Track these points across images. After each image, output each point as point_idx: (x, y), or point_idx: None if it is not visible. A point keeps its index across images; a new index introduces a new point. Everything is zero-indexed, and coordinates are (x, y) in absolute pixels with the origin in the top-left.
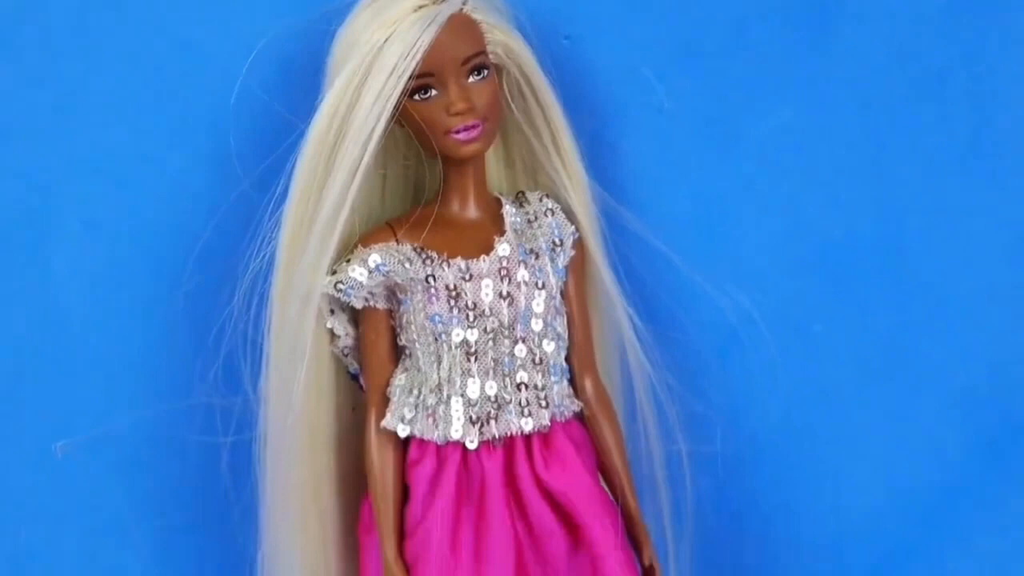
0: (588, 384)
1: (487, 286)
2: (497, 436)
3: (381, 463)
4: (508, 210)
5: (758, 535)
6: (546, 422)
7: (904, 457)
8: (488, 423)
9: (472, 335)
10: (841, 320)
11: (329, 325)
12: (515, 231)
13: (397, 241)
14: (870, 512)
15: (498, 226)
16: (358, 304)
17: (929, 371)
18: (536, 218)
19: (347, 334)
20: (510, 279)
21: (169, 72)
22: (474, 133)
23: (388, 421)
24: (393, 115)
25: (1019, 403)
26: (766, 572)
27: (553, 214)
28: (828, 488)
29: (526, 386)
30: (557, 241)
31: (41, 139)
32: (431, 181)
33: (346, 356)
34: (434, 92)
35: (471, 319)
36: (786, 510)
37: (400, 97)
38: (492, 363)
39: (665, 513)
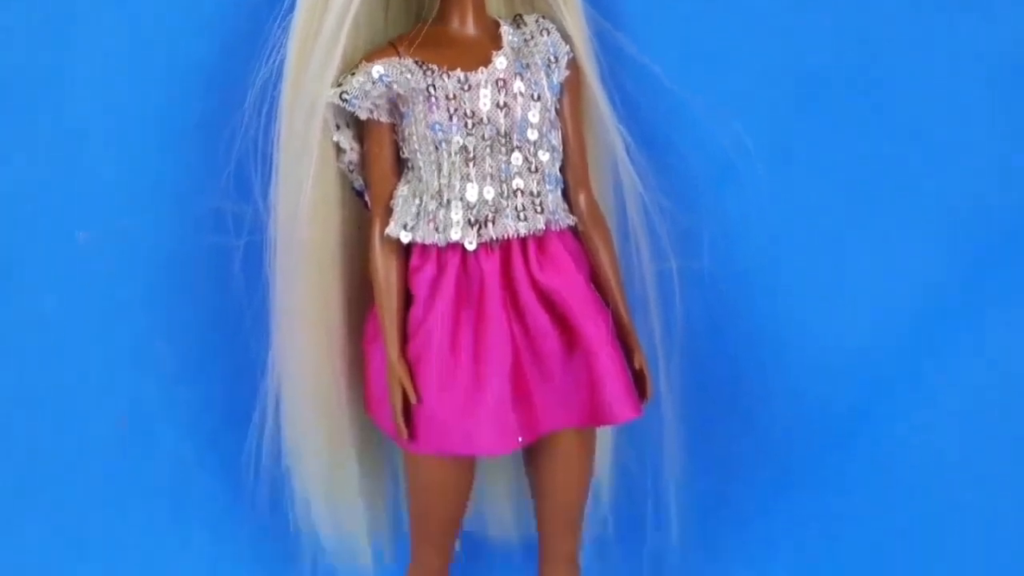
0: (582, 199)
1: (485, 96)
2: (495, 238)
3: (385, 269)
4: (506, 30)
5: (745, 350)
6: (541, 227)
7: (887, 278)
8: (486, 226)
9: (471, 142)
10: (830, 146)
11: (335, 139)
12: (512, 48)
13: (399, 56)
14: (855, 329)
15: (496, 44)
16: (362, 115)
17: (914, 197)
18: (532, 37)
19: (352, 149)
20: (507, 90)
21: None
22: None
23: (391, 229)
24: None
25: (1002, 230)
26: (752, 384)
27: (549, 33)
28: (814, 307)
29: (522, 192)
30: (552, 58)
31: None
32: (431, 7)
33: (351, 172)
34: None
35: (469, 127)
36: (774, 325)
37: None
38: (490, 169)
39: (656, 327)
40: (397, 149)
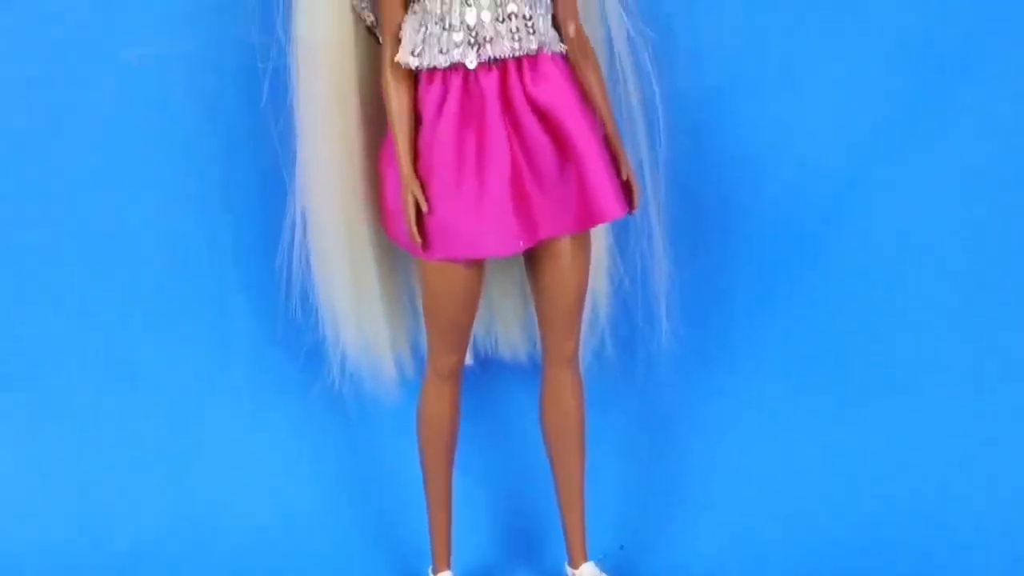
0: (571, 29)
1: None
2: (493, 56)
3: (397, 94)
4: None
5: (724, 168)
6: (534, 47)
7: (852, 101)
8: (484, 46)
9: None
10: None
11: None
12: None
13: None
14: (822, 149)
15: None
16: None
17: (875, 23)
18: None
19: None
20: None
21: None
22: None
23: (400, 56)
24: None
25: (953, 49)
26: (732, 198)
27: None
28: (783, 130)
29: (515, 15)
30: None
31: None
32: None
33: (363, 8)
34: None
35: None
36: (753, 148)
37: None
38: None
39: (643, 147)
40: None
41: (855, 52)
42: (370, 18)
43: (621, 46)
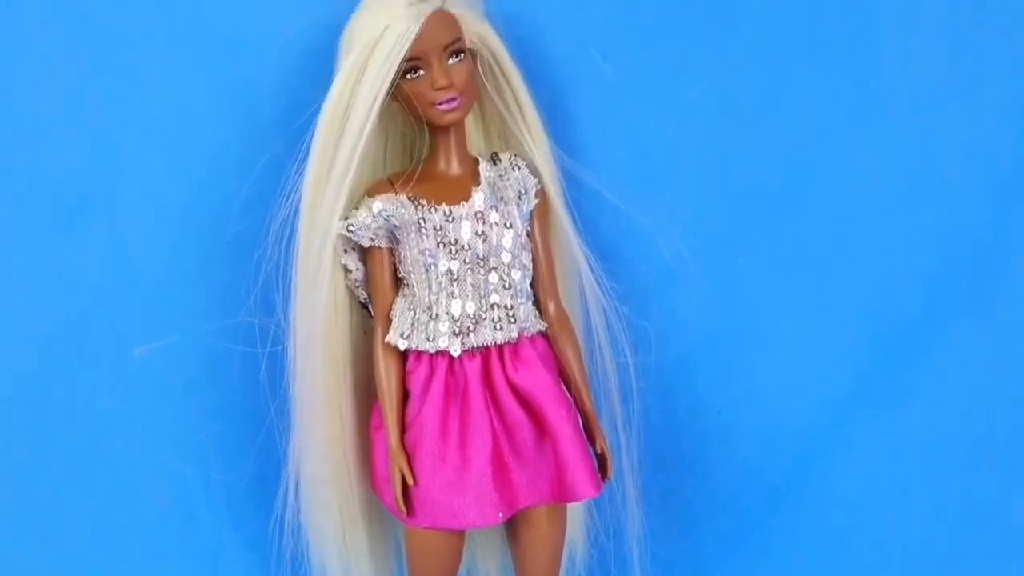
0: (552, 308)
1: (466, 226)
2: (476, 346)
3: (386, 371)
4: (484, 167)
5: (693, 431)
6: (515, 335)
7: (811, 366)
8: (468, 335)
9: (455, 265)
10: (760, 255)
11: (343, 261)
12: (489, 184)
13: (395, 192)
14: (783, 409)
15: (475, 180)
16: (365, 243)
17: (835, 297)
18: (506, 173)
19: (357, 269)
20: (484, 220)
21: (218, 59)
22: (453, 104)
23: (391, 337)
24: (389, 92)
25: (912, 321)
26: (701, 458)
27: (519, 169)
28: (748, 392)
29: (498, 306)
30: (522, 191)
31: (108, 112)
32: (422, 143)
33: (357, 287)
34: (421, 72)
35: (453, 252)
36: (715, 413)
37: (394, 77)
38: (471, 287)
39: (617, 414)
40: (395, 268)
41: (823, 312)
42: (363, 295)
43: (597, 319)
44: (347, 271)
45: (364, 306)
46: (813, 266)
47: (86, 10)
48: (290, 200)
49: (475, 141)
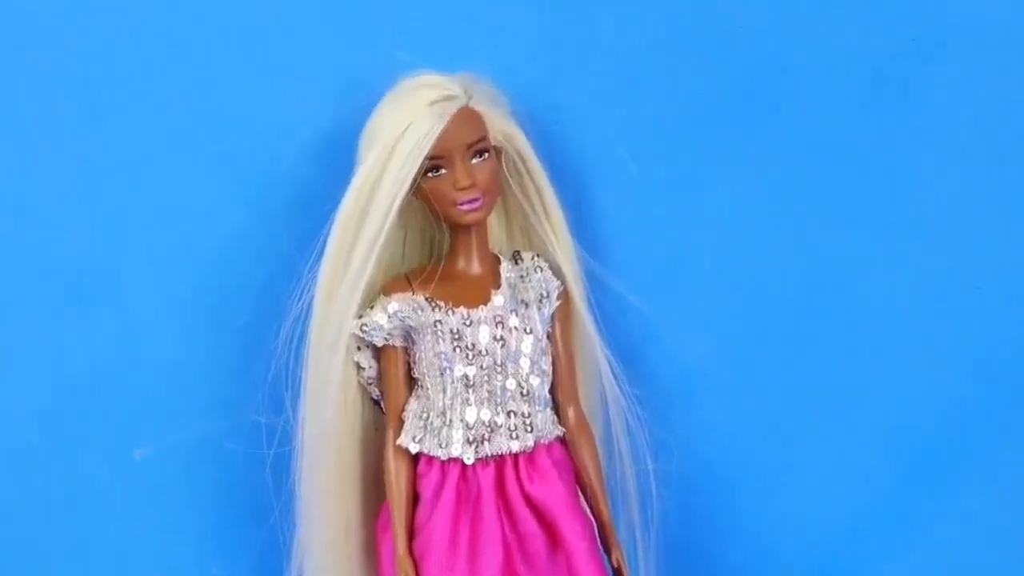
0: (571, 413)
1: (484, 331)
2: (490, 454)
3: (396, 474)
4: (505, 267)
5: (713, 542)
6: (531, 444)
7: (834, 482)
8: (483, 443)
9: (471, 371)
10: (783, 362)
11: (356, 359)
12: (510, 285)
13: (412, 292)
14: (804, 524)
15: (496, 280)
16: (379, 343)
17: (860, 407)
18: (528, 274)
19: (370, 367)
20: (503, 325)
21: (235, 152)
22: (476, 204)
23: (402, 440)
24: (410, 190)
25: (938, 439)
26: (720, 570)
27: (542, 270)
28: (769, 503)
29: (515, 413)
30: (544, 293)
31: (118, 196)
32: (442, 241)
33: (370, 384)
34: (443, 171)
35: (470, 357)
36: (735, 522)
37: (416, 175)
38: (487, 394)
39: (636, 523)
40: (409, 368)
41: (849, 420)
42: (376, 393)
43: (617, 424)
44: (360, 368)
45: (376, 403)
46: (838, 372)
47: (98, 93)
48: (302, 298)
49: (497, 236)
